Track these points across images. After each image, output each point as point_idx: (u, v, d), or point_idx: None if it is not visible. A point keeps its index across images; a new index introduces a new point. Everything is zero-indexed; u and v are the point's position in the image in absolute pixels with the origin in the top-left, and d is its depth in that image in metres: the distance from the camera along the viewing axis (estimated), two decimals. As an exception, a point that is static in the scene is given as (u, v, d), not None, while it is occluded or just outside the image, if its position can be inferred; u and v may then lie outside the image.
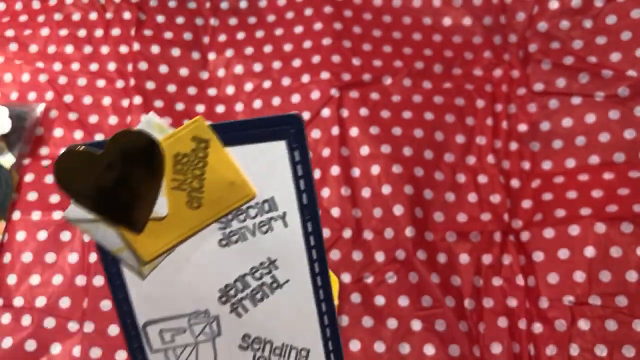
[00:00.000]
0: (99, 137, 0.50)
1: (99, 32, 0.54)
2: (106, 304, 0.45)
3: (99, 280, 0.46)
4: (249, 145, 0.26)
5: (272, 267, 0.27)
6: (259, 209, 0.26)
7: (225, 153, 0.25)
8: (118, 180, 0.25)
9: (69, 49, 0.53)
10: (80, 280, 0.46)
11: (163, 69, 0.53)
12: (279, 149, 0.26)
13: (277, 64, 0.52)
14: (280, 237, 0.27)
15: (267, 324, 0.28)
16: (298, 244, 0.27)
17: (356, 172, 0.47)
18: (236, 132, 0.26)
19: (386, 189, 0.47)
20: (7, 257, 0.47)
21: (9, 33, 0.54)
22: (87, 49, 0.53)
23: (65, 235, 0.47)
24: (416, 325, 0.44)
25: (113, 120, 0.51)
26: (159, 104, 0.51)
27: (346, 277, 0.45)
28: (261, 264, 0.27)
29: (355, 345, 0.43)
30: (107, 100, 0.51)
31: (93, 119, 0.51)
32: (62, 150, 0.50)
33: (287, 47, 0.52)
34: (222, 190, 0.25)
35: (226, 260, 0.27)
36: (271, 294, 0.27)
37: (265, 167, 0.26)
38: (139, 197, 0.25)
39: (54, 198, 0.48)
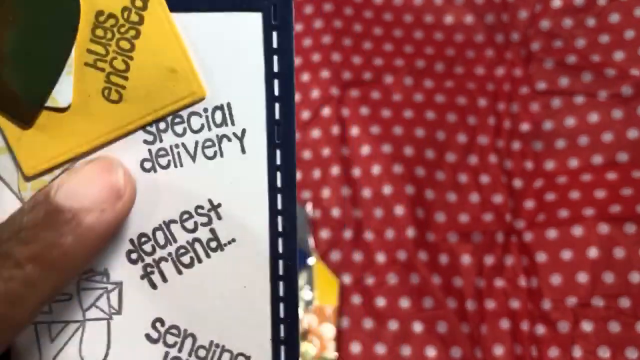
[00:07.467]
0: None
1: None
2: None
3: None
4: (205, 14, 0.17)
5: (214, 216, 0.18)
6: (207, 120, 0.17)
7: (171, 21, 0.17)
8: (12, 40, 0.16)
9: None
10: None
11: (161, 67, 0.52)
12: (249, 25, 0.17)
13: (276, 63, 0.52)
14: (233, 168, 0.18)
15: (192, 307, 0.18)
16: (257, 184, 0.18)
17: (356, 172, 0.47)
18: None
19: (387, 189, 0.46)
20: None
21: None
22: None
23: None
24: (417, 326, 0.43)
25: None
26: (157, 102, 0.51)
27: (346, 278, 0.45)
28: (198, 209, 0.18)
29: (355, 347, 0.43)
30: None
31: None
32: None
33: (287, 46, 0.52)
34: (156, 78, 0.17)
35: (147, 194, 0.18)
36: (206, 258, 0.18)
37: (224, 53, 0.17)
38: (36, 67, 0.16)
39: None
